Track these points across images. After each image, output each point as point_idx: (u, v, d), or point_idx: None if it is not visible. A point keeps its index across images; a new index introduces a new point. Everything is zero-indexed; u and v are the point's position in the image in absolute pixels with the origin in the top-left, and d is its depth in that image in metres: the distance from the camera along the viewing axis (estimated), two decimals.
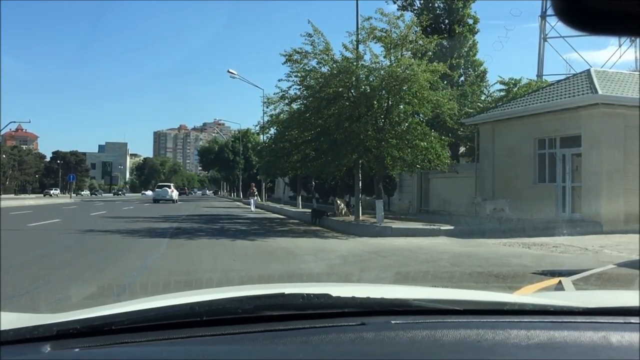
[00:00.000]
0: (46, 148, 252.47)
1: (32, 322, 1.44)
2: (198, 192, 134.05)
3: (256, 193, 36.81)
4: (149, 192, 77.59)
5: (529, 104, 19.98)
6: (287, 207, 32.09)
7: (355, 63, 17.82)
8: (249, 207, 35.11)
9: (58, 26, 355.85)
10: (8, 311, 1.94)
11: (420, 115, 19.24)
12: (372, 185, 20.35)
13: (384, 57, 18.24)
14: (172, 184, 58.46)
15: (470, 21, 28.39)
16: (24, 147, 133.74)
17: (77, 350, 1.27)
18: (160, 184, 61.22)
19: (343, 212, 21.62)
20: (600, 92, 17.10)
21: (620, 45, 38.41)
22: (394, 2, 28.37)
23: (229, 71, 41.54)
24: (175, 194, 50.90)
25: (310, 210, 22.39)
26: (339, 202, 22.74)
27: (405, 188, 27.49)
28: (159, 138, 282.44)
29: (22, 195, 72.16)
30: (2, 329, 1.35)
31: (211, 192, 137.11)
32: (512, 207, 18.03)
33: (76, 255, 10.66)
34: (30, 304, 6.04)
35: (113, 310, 1.53)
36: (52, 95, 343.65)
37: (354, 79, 17.36)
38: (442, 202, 23.81)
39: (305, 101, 19.36)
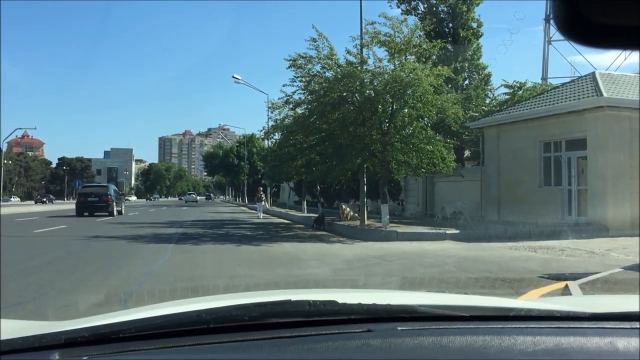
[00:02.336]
0: (52, 154, 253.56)
1: (40, 329, 1.45)
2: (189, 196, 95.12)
3: (264, 198, 34.76)
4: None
5: (534, 107, 19.96)
6: (292, 211, 32.10)
7: (359, 67, 17.86)
8: (255, 212, 33.75)
9: (62, 33, 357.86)
10: (15, 318, 1.95)
11: (425, 119, 19.24)
12: (378, 189, 20.35)
13: (388, 61, 18.28)
14: (195, 192, 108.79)
15: (474, 25, 28.42)
16: (30, 153, 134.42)
17: (85, 358, 1.28)
18: (190, 192, 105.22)
19: (349, 216, 21.56)
20: (605, 94, 17.06)
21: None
22: (398, 7, 28.47)
23: (233, 76, 41.64)
24: (197, 198, 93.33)
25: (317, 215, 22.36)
26: (344, 206, 22.72)
27: (410, 192, 27.46)
28: (164, 144, 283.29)
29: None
30: (12, 337, 1.36)
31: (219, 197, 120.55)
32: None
33: (82, 261, 10.69)
34: (37, 310, 6.06)
35: (120, 318, 1.54)
36: (57, 102, 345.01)
37: (358, 83, 17.38)
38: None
39: (309, 106, 19.37)
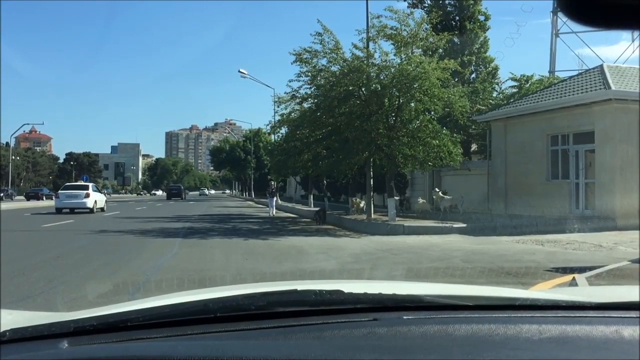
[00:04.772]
0: (59, 149, 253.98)
1: (49, 319, 1.47)
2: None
3: (276, 193, 31.45)
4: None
5: (541, 101, 19.87)
6: (299, 206, 32.10)
7: (365, 61, 17.82)
8: (264, 207, 32.25)
9: (70, 28, 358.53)
10: (24, 310, 1.97)
11: (432, 113, 19.21)
12: (384, 183, 20.31)
13: (394, 55, 18.25)
14: (206, 188, 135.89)
15: (481, 18, 28.32)
16: (38, 149, 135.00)
17: (94, 346, 1.29)
18: (202, 188, 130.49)
19: (362, 207, 21.37)
20: (613, 87, 16.96)
21: (633, 40, 38.06)
22: (404, 0, 28.32)
23: (239, 71, 41.70)
24: (208, 192, 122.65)
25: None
26: (357, 200, 22.49)
27: (417, 186, 27.42)
28: (171, 138, 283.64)
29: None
30: (21, 326, 1.38)
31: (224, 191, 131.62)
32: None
33: (90, 255, 10.75)
34: (46, 303, 6.10)
35: (128, 307, 1.55)
36: (65, 97, 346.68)
37: (364, 77, 17.35)
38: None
39: (316, 100, 19.37)
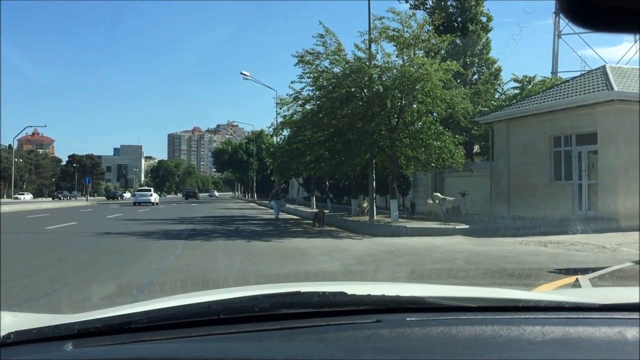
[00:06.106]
0: (62, 152, 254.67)
1: (53, 321, 1.47)
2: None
3: (281, 195, 29.44)
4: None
5: (544, 102, 19.84)
6: (301, 207, 32.07)
7: (367, 63, 17.83)
8: (266, 209, 31.74)
9: (74, 30, 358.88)
10: (28, 312, 1.97)
11: (434, 114, 19.20)
12: (387, 184, 20.31)
13: (397, 56, 18.26)
14: (214, 189, 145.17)
15: (484, 19, 28.25)
16: (41, 151, 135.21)
17: (98, 348, 1.30)
18: (210, 190, 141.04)
19: (366, 211, 21.30)
20: (616, 88, 16.93)
21: (635, 41, 37.96)
22: (406, 1, 28.30)
23: (242, 73, 41.79)
24: (216, 193, 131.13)
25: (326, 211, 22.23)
26: (362, 202, 22.37)
27: (419, 187, 27.39)
28: (173, 140, 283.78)
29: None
30: (26, 328, 1.38)
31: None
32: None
33: (94, 257, 10.75)
34: (50, 306, 6.11)
35: (132, 309, 1.56)
36: (67, 99, 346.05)
37: (366, 79, 17.36)
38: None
39: (318, 102, 19.38)
